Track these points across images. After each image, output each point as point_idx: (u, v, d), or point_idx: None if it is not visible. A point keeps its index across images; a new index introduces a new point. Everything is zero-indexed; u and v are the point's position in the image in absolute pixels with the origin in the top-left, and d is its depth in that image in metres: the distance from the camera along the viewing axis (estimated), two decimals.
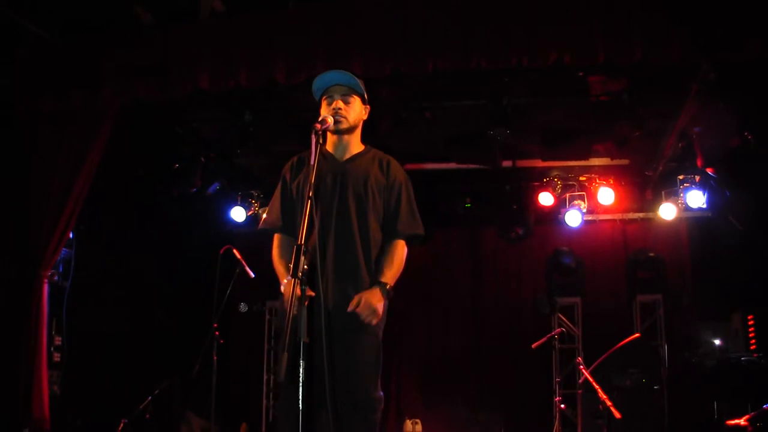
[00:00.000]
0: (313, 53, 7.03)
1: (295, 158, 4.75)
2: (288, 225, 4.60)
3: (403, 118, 8.85)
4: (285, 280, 4.34)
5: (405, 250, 4.57)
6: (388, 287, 4.36)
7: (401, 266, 4.52)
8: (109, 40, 7.53)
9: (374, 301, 4.25)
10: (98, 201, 8.04)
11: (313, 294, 3.80)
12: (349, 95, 4.53)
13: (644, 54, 6.62)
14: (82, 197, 7.62)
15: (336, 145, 4.61)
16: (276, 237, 4.67)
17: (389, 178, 4.59)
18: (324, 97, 4.57)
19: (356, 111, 4.57)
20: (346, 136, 4.58)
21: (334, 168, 4.49)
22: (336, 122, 4.37)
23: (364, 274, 4.35)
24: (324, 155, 4.43)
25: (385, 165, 4.63)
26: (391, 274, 4.42)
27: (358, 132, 4.67)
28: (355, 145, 4.66)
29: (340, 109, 4.45)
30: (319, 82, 4.58)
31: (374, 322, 4.23)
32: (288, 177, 4.68)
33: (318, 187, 4.24)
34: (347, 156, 4.60)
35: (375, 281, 4.36)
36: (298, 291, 3.54)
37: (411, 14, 7.07)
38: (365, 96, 4.65)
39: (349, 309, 4.20)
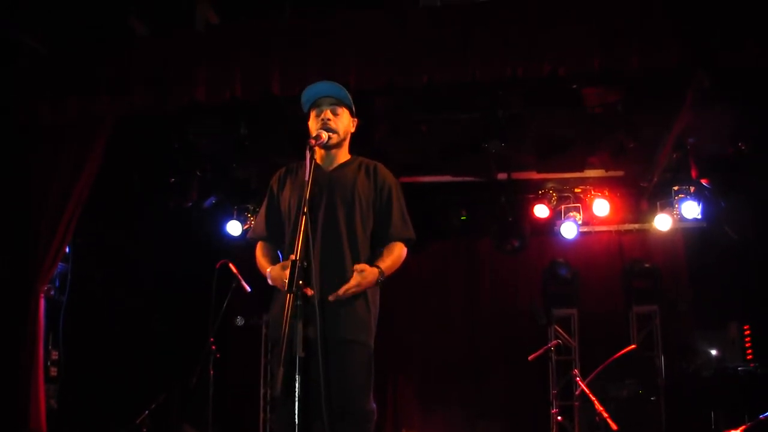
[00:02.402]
0: (308, 65, 7.06)
1: (282, 169, 4.76)
2: (273, 235, 4.63)
3: (398, 130, 8.87)
4: (269, 269, 4.38)
5: (404, 250, 4.57)
6: (384, 274, 4.36)
7: (398, 262, 4.52)
8: (105, 52, 7.56)
9: (370, 277, 4.26)
10: (94, 215, 8.05)
11: (311, 293, 3.80)
12: (338, 106, 4.53)
13: (640, 61, 6.66)
14: (78, 211, 7.63)
15: (324, 157, 4.61)
16: (260, 243, 4.70)
17: (377, 184, 4.58)
18: (312, 109, 4.57)
19: (345, 123, 4.57)
20: (334, 149, 4.58)
21: (321, 178, 4.47)
22: (328, 137, 4.38)
23: None
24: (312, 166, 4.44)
25: (372, 171, 4.62)
26: (387, 264, 4.41)
27: (346, 144, 4.67)
28: (343, 155, 4.66)
29: (329, 120, 4.45)
30: (307, 94, 4.58)
31: (350, 293, 4.20)
32: (275, 188, 4.70)
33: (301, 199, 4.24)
34: (334, 166, 4.60)
35: (377, 265, 4.36)
36: (293, 304, 3.53)
37: (407, 27, 7.11)
38: (353, 108, 4.65)
39: (355, 268, 4.22)
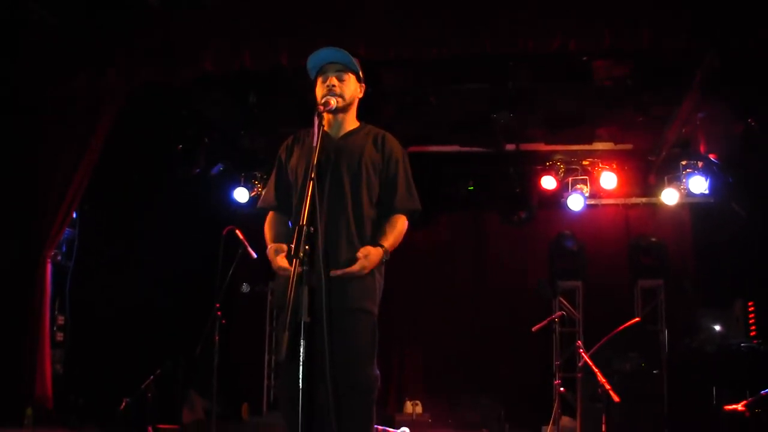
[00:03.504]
0: (317, 36, 7.03)
1: (290, 138, 4.74)
2: (283, 204, 4.62)
3: (407, 102, 8.85)
4: (269, 247, 4.39)
5: (406, 223, 4.54)
6: (388, 252, 4.34)
7: (400, 237, 4.48)
8: (116, 23, 7.55)
9: (374, 259, 4.25)
10: (102, 181, 8.07)
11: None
12: (344, 72, 4.50)
13: (651, 40, 6.63)
14: (86, 177, 7.67)
15: (331, 124, 4.57)
16: (270, 213, 4.69)
17: (385, 153, 4.55)
18: (319, 76, 4.54)
19: (351, 88, 4.53)
20: (341, 115, 4.53)
21: (329, 145, 4.45)
22: (336, 102, 4.36)
23: (357, 248, 4.30)
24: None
25: (380, 140, 4.58)
26: (390, 241, 4.37)
27: (353, 110, 4.64)
28: (350, 122, 4.63)
29: (334, 86, 4.41)
30: (313, 60, 4.54)
31: (357, 271, 4.19)
32: (284, 157, 4.68)
33: (309, 165, 4.23)
34: (342, 133, 4.57)
35: (376, 243, 4.33)
36: (299, 270, 3.54)
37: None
38: (360, 74, 4.61)
39: (359, 254, 4.19)
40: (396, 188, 4.53)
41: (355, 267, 4.18)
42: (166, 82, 7.60)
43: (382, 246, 4.32)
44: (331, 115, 4.53)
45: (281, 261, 4.22)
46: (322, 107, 4.15)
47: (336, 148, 4.46)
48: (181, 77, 7.45)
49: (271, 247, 4.38)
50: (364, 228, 4.39)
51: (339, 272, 4.14)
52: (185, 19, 7.48)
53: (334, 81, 4.44)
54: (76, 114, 7.66)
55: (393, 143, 4.63)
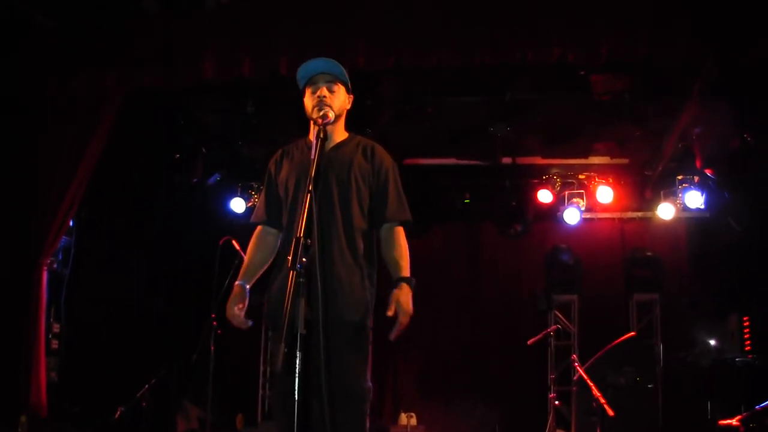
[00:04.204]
0: (316, 45, 7.05)
1: (279, 151, 4.73)
2: (273, 218, 4.62)
3: (403, 112, 8.86)
4: (237, 282, 4.57)
5: (404, 237, 4.51)
6: (411, 279, 4.32)
7: (408, 253, 4.45)
8: (115, 28, 7.56)
9: (408, 303, 4.22)
10: (99, 189, 8.06)
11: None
12: (334, 83, 4.48)
13: (650, 49, 6.66)
14: (83, 185, 7.65)
15: None
16: (257, 229, 4.71)
17: (375, 165, 4.53)
18: (308, 86, 4.52)
19: (341, 99, 4.51)
20: (330, 127, 4.44)
21: (318, 157, 4.40)
22: (332, 114, 4.36)
23: (349, 260, 4.31)
24: (308, 145, 4.42)
25: (370, 151, 4.57)
26: (406, 267, 4.36)
27: (342, 121, 4.63)
28: (339, 133, 4.61)
29: (324, 97, 4.40)
30: (303, 71, 4.53)
31: (406, 321, 4.17)
32: (273, 170, 4.67)
33: (301, 178, 4.28)
34: (331, 145, 4.54)
35: (399, 278, 4.31)
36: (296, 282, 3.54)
37: (416, 7, 7.10)
38: (349, 85, 4.60)
39: (389, 313, 4.16)
40: (386, 199, 4.51)
41: (403, 321, 4.16)
42: (165, 86, 7.59)
43: (403, 280, 4.30)
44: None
45: (231, 311, 4.45)
46: (321, 120, 4.15)
47: (326, 160, 4.41)
48: (181, 78, 7.44)
49: (237, 285, 4.51)
50: (354, 240, 4.37)
51: (394, 336, 4.18)
52: (184, 25, 7.49)
53: (324, 92, 4.43)
54: (76, 114, 7.65)
55: (383, 154, 4.61)
